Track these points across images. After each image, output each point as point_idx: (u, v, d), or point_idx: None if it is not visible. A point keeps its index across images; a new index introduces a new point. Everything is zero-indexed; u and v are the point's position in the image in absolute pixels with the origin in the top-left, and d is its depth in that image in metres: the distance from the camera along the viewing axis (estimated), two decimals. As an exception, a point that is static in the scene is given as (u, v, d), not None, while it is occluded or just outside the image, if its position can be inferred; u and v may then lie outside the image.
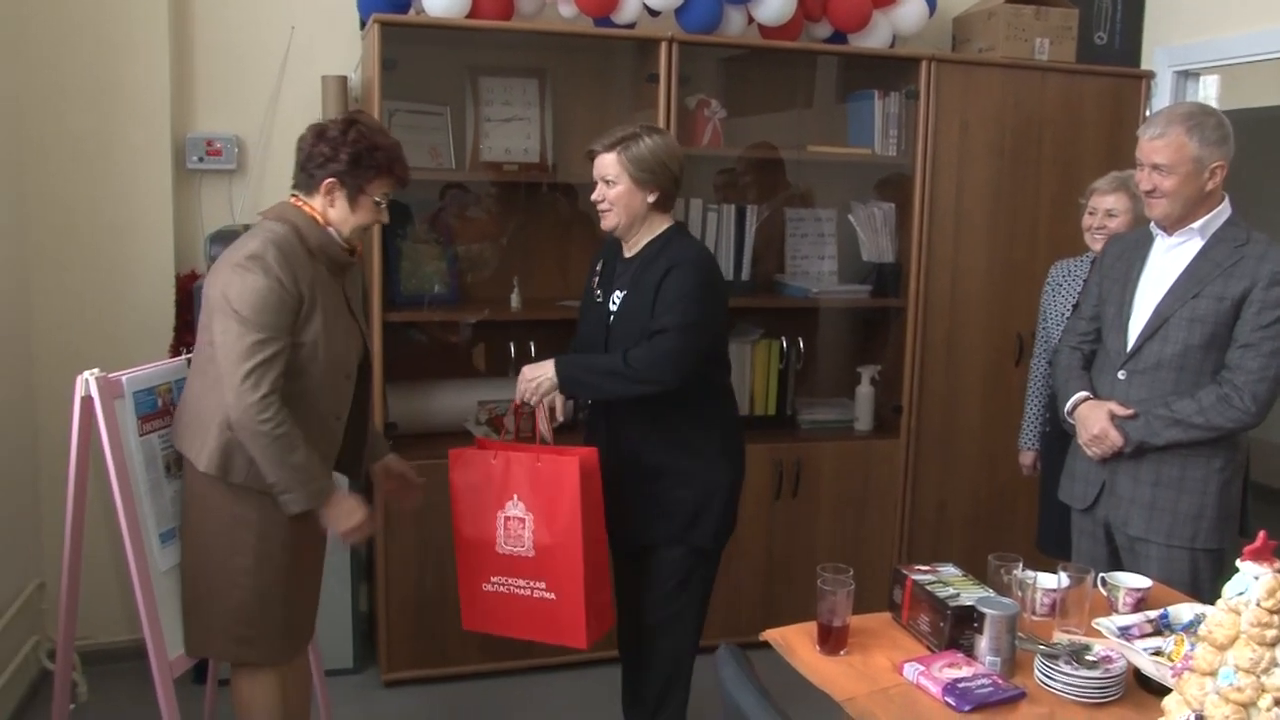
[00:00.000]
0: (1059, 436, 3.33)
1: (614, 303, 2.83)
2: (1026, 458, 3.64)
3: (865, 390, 4.08)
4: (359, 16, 3.67)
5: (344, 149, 2.44)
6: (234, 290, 2.35)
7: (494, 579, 2.82)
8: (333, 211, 2.49)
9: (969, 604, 2.06)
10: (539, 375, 2.75)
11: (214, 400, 2.41)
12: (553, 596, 2.74)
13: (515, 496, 2.75)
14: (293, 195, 2.54)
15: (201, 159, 3.67)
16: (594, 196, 2.79)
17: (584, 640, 2.73)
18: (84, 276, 3.55)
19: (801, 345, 4.02)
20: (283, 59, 3.72)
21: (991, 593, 2.17)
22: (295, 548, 2.55)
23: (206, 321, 2.44)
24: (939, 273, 3.95)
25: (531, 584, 2.76)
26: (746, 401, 3.99)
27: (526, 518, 2.73)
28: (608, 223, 2.79)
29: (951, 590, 2.16)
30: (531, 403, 2.78)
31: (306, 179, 2.50)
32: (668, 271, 2.70)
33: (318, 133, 2.49)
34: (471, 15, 3.44)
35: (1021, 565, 2.30)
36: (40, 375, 3.51)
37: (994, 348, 4.05)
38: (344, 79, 3.63)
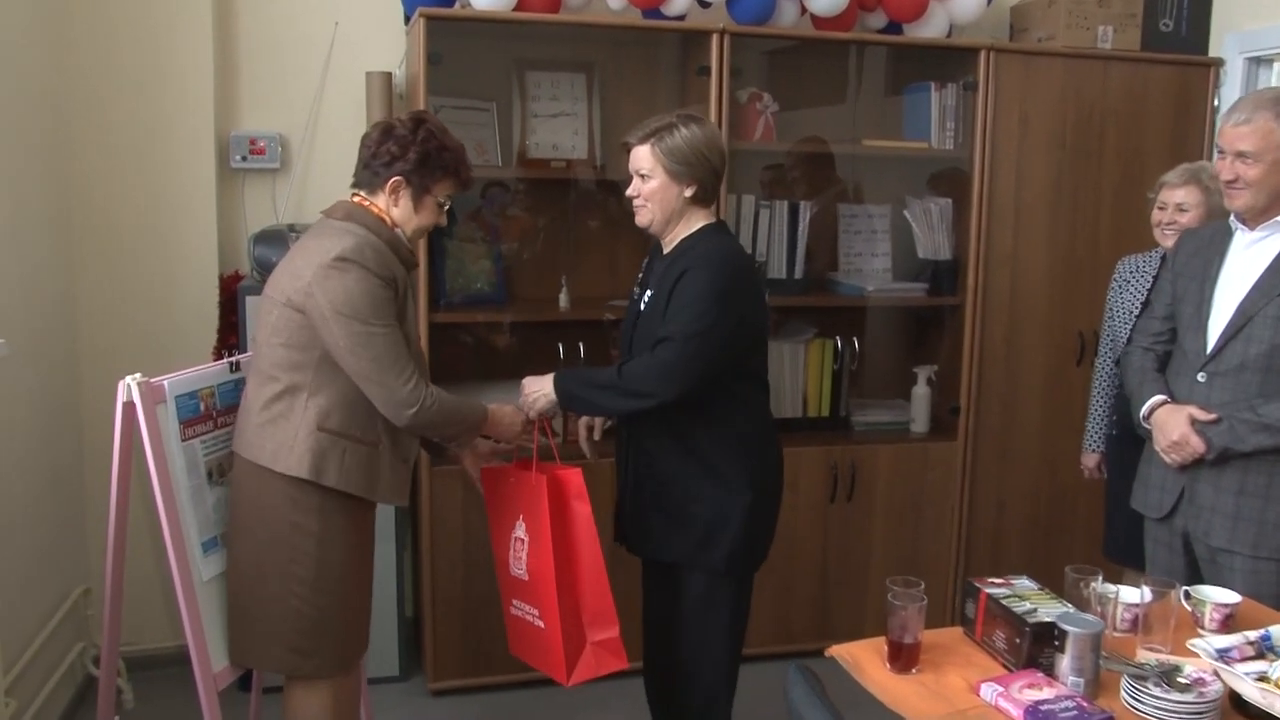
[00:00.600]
0: (1125, 439, 3.23)
1: (643, 303, 2.70)
2: (1090, 460, 3.52)
3: (921, 391, 3.97)
4: (404, 11, 3.60)
5: (412, 148, 2.41)
6: (338, 293, 2.31)
7: (515, 602, 2.74)
8: (396, 211, 2.46)
9: (1049, 620, 1.95)
10: (536, 390, 2.64)
11: (295, 404, 2.38)
12: (542, 625, 2.63)
13: (521, 517, 2.65)
14: (354, 194, 2.50)
15: (245, 158, 3.62)
16: (629, 191, 2.66)
17: (564, 675, 2.60)
18: (127, 277, 3.51)
19: (856, 345, 3.90)
20: (326, 55, 3.66)
21: (1070, 608, 2.05)
22: (352, 558, 2.49)
23: (282, 325, 2.38)
24: (998, 269, 3.83)
25: (530, 610, 2.67)
26: (799, 403, 3.90)
27: (525, 539, 2.63)
28: (642, 219, 2.65)
29: (1028, 605, 2.05)
30: (531, 417, 2.66)
31: (371, 176, 2.45)
32: (683, 273, 2.55)
33: (385, 130, 2.45)
34: (518, 8, 3.37)
35: (1101, 578, 2.18)
36: (84, 377, 3.48)
37: (1055, 347, 3.92)
38: (389, 75, 3.56)
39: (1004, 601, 2.07)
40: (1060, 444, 3.92)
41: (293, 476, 2.36)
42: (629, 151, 2.64)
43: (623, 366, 2.54)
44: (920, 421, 3.98)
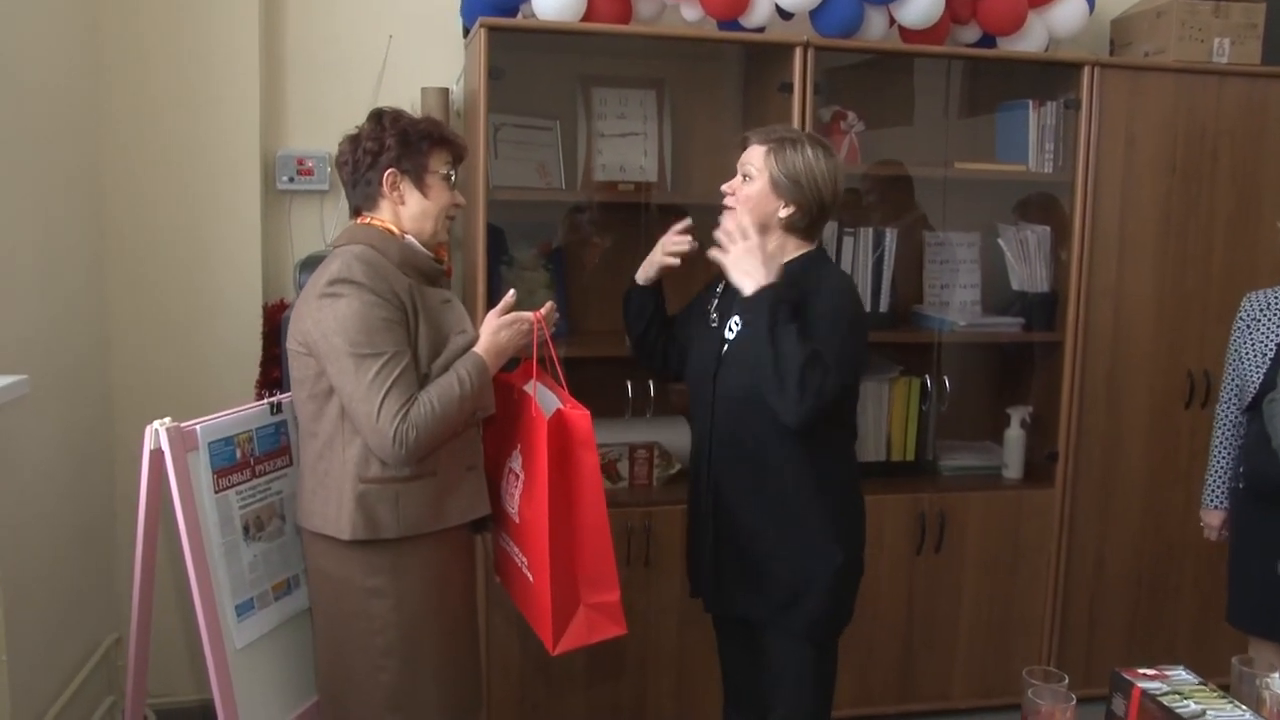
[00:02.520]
0: (1253, 494, 2.93)
1: (730, 330, 2.46)
2: (1214, 518, 3.17)
3: (1015, 434, 3.65)
4: (462, 23, 3.37)
5: (388, 135, 2.23)
6: (329, 321, 2.09)
7: (504, 536, 2.43)
8: (405, 209, 2.26)
9: (1227, 730, 1.65)
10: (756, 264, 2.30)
11: (334, 459, 2.16)
12: (530, 579, 2.30)
13: (518, 448, 2.32)
14: (358, 218, 2.31)
15: (292, 179, 3.39)
16: (724, 186, 2.45)
17: (550, 643, 2.27)
18: (164, 306, 3.29)
19: (946, 383, 3.60)
20: (379, 71, 3.43)
21: (1245, 710, 1.74)
22: (442, 607, 2.26)
23: (303, 375, 2.17)
24: (1100, 303, 3.52)
25: (519, 555, 2.34)
26: (883, 445, 3.60)
27: (520, 476, 2.31)
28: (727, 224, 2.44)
29: (1193, 706, 1.74)
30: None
31: (365, 189, 2.27)
32: (805, 310, 2.32)
33: (352, 140, 2.29)
34: (586, 19, 3.12)
35: (1279, 676, 1.86)
36: (116, 413, 3.26)
37: (1162, 388, 3.60)
38: (446, 91, 3.33)
39: (1162, 699, 1.76)
40: (1167, 494, 3.62)
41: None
42: (744, 148, 2.46)
43: (805, 365, 2.22)
44: (1013, 467, 3.67)
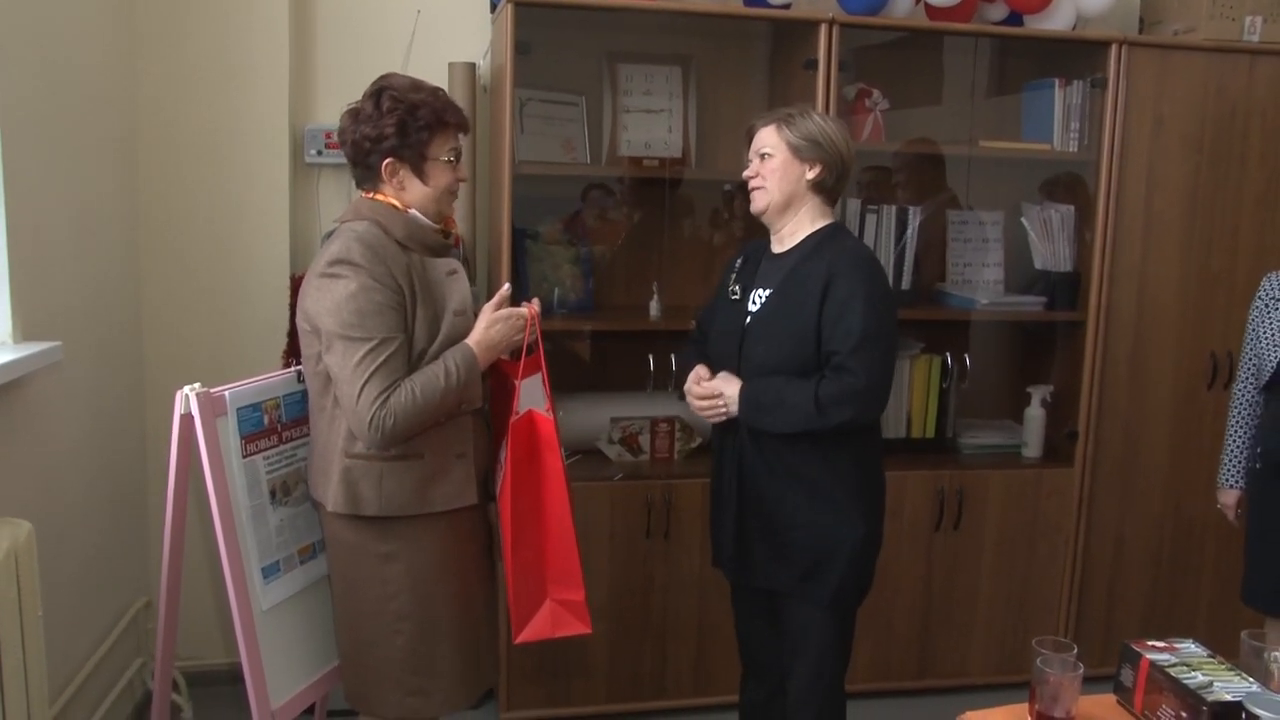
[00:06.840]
0: (1271, 472, 2.92)
1: (754, 301, 2.49)
2: (1228, 497, 3.18)
3: (1035, 413, 3.66)
4: (490, -2, 3.40)
5: (385, 122, 2.18)
6: (326, 303, 2.11)
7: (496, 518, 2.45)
8: (406, 194, 2.24)
9: (1233, 700, 1.66)
10: (729, 393, 2.46)
11: (333, 434, 2.18)
12: (504, 565, 2.32)
13: (505, 439, 2.31)
14: (363, 191, 2.30)
15: (320, 152, 3.43)
16: (745, 173, 2.50)
17: (513, 630, 2.31)
18: (195, 277, 3.34)
19: (966, 361, 3.60)
20: (407, 45, 3.46)
21: (1252, 682, 1.76)
22: (454, 573, 2.28)
23: (310, 351, 2.21)
24: (1123, 283, 3.52)
25: (500, 540, 2.36)
26: (903, 422, 3.62)
27: (503, 464, 2.31)
28: (758, 203, 2.48)
29: (1200, 677, 1.76)
30: (708, 419, 2.51)
31: (365, 171, 2.26)
32: (833, 279, 2.36)
33: (353, 116, 2.25)
34: (613, -6, 3.14)
35: (1287, 648, 1.88)
36: (148, 381, 3.32)
37: (1184, 368, 3.60)
38: (472, 66, 3.35)
39: (1171, 671, 1.78)
40: (1188, 474, 3.62)
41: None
42: (752, 136, 2.50)
43: (820, 390, 2.34)
44: (1033, 445, 3.68)
